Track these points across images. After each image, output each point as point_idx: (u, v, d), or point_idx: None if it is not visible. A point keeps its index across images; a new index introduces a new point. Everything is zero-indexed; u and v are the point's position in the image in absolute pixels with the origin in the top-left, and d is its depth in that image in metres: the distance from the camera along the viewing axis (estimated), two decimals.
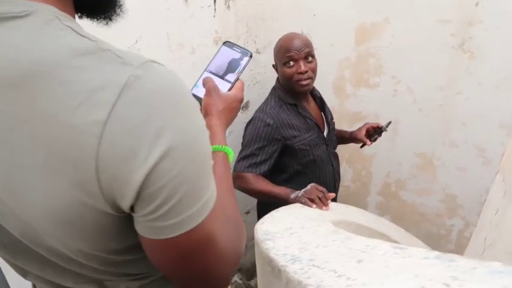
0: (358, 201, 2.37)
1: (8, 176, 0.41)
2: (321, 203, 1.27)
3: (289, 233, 0.77)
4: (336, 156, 1.70)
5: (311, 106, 1.61)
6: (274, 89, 1.57)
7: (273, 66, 1.56)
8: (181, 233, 0.42)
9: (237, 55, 0.74)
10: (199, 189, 0.43)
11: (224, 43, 0.76)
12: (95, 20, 0.52)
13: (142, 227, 0.43)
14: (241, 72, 0.73)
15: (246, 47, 0.77)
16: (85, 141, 0.37)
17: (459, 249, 2.31)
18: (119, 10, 0.52)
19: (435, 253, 0.54)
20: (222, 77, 0.73)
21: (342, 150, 1.79)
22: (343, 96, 2.03)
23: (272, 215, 0.99)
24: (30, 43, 0.38)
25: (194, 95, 0.70)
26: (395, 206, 2.33)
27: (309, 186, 1.33)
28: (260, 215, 1.71)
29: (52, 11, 0.41)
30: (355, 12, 1.81)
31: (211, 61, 0.75)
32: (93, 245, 0.46)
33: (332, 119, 1.70)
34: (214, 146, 0.63)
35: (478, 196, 2.09)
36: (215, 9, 1.45)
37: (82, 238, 0.44)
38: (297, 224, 0.86)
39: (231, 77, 0.73)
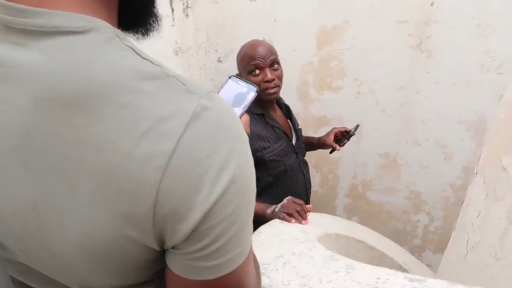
0: (326, 204, 2.37)
1: (41, 206, 0.36)
2: (300, 217, 1.22)
3: (282, 262, 0.71)
4: (306, 164, 1.66)
5: (278, 115, 1.56)
6: None
7: (237, 75, 1.48)
8: (220, 276, 0.39)
9: (243, 89, 0.74)
10: (246, 230, 0.40)
11: (230, 77, 0.75)
12: (131, 33, 0.48)
13: (180, 265, 0.39)
14: (247, 106, 0.72)
15: (251, 83, 0.75)
16: (147, 173, 0.34)
17: (425, 243, 2.37)
18: (156, 24, 0.48)
19: (460, 287, 0.50)
20: None
21: (308, 155, 1.76)
22: (307, 101, 2.00)
23: (256, 239, 0.92)
24: (90, 61, 0.34)
25: None
26: (362, 207, 2.35)
27: (285, 200, 1.27)
28: None
29: (111, 28, 0.37)
30: (316, 16, 1.79)
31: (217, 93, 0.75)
32: (118, 281, 0.42)
33: (299, 126, 1.66)
34: None
35: (441, 191, 2.15)
36: (173, 18, 1.36)
37: (111, 273, 0.40)
38: (286, 249, 0.80)
39: (237, 111, 0.71)
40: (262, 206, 1.31)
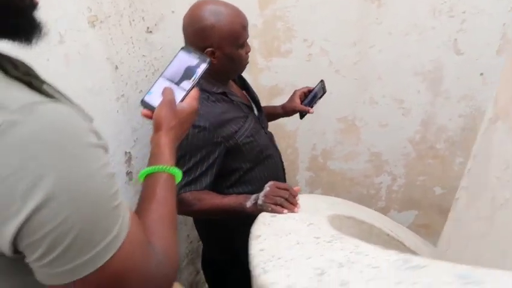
0: (288, 180, 2.15)
1: None
2: (291, 204, 1.00)
3: None
4: (272, 136, 1.44)
5: (235, 87, 1.31)
6: None
7: (207, 51, 1.11)
8: (83, 276, 0.41)
9: (194, 61, 0.73)
10: (95, 234, 0.41)
11: (182, 48, 0.75)
12: (16, 42, 0.46)
13: (37, 273, 0.42)
14: (197, 80, 0.71)
15: (203, 54, 0.74)
16: None
17: (389, 203, 2.31)
18: (40, 33, 0.47)
19: None
20: (177, 84, 0.72)
21: None
22: (256, 70, 1.76)
23: (260, 247, 0.67)
24: None
25: (146, 103, 0.72)
26: (325, 178, 2.21)
27: (268, 187, 1.03)
28: (202, 233, 1.39)
29: None
30: None
31: (167, 66, 0.74)
32: None
33: (256, 94, 1.42)
34: (157, 167, 0.62)
35: (402, 148, 2.07)
36: None
37: None
38: (322, 258, 0.56)
39: (186, 84, 0.71)
40: (239, 199, 1.06)
